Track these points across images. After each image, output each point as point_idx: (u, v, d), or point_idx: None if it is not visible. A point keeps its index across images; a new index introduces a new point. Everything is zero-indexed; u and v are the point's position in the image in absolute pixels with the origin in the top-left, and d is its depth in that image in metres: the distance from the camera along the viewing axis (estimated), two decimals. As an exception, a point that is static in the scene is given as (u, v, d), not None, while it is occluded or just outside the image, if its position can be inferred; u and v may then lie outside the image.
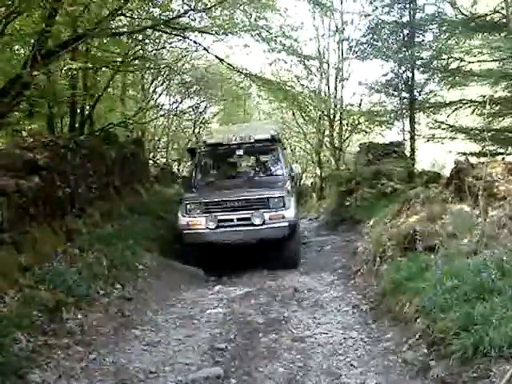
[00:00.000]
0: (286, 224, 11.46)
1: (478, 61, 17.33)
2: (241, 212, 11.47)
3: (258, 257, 12.18)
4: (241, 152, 13.49)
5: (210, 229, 11.43)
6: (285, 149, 16.71)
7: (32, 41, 11.31)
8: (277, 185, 12.35)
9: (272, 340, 7.04)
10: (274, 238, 11.47)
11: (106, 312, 8.03)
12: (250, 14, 14.92)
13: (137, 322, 7.87)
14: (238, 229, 11.43)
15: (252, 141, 13.45)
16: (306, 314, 8.21)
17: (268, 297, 9.22)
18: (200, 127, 29.89)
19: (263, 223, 11.37)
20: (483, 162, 10.51)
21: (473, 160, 12.86)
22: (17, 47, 14.04)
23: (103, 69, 15.77)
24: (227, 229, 11.44)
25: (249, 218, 11.41)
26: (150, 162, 23.72)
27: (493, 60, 17.05)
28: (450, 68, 17.88)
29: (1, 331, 6.04)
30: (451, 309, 5.87)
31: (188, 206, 11.77)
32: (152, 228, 13.35)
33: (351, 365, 6.17)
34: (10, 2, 9.61)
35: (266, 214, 11.39)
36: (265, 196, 11.62)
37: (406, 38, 18.77)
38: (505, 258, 6.47)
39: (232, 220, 11.47)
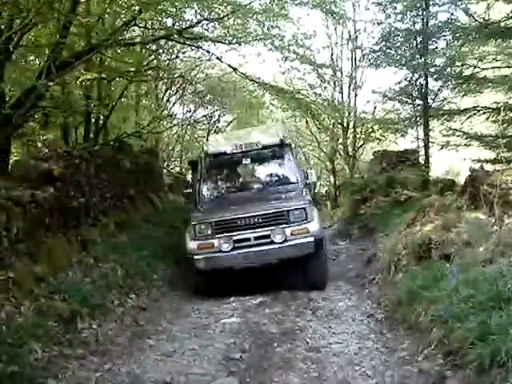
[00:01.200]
0: (311, 239, 10.09)
1: (492, 67, 17.28)
2: (258, 230, 10.13)
3: (280, 277, 10.88)
4: (248, 161, 12.09)
5: (225, 251, 10.04)
6: (297, 153, 15.12)
7: (46, 52, 11.41)
8: (295, 194, 11.09)
9: (287, 350, 7.02)
10: (298, 257, 10.14)
11: (121, 322, 8.06)
12: (263, 23, 14.94)
13: (151, 332, 7.88)
14: (256, 249, 10.05)
15: (259, 147, 12.02)
16: (321, 323, 8.18)
17: (283, 306, 9.20)
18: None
19: (285, 240, 10.04)
20: (498, 170, 10.45)
21: (488, 167, 12.82)
22: (31, 58, 14.16)
23: (117, 79, 15.87)
24: (244, 250, 10.05)
25: (268, 236, 10.08)
26: (164, 171, 23.81)
27: (507, 66, 16.98)
28: (463, 75, 17.81)
29: (17, 341, 6.07)
30: (467, 318, 5.81)
31: (197, 227, 10.33)
32: (166, 237, 13.39)
33: (367, 375, 6.13)
34: (25, 14, 9.70)
35: (286, 229, 10.09)
36: (284, 209, 10.24)
37: (419, 46, 18.73)
38: (521, 267, 6.41)
39: (249, 239, 10.10)
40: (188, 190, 12.91)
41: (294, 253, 10.04)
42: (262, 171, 12.56)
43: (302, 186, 11.52)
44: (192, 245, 10.31)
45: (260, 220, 10.16)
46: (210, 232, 10.25)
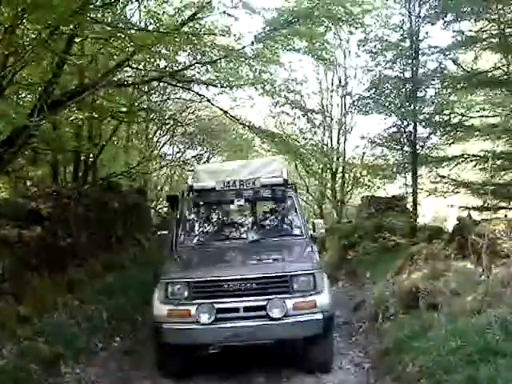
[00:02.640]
0: (320, 317, 7.57)
1: (480, 116, 17.51)
2: (250, 298, 7.54)
3: (273, 357, 8.49)
4: (242, 201, 9.74)
5: (204, 324, 7.38)
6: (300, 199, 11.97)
7: (39, 89, 11.45)
8: (300, 253, 8.85)
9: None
10: (301, 337, 7.85)
11: (105, 366, 7.92)
12: (255, 68, 15.12)
13: (136, 378, 7.76)
14: (246, 324, 7.45)
15: (258, 186, 9.68)
16: (309, 372, 8.06)
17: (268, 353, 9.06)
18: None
19: (285, 315, 7.43)
20: (486, 219, 10.51)
21: (475, 214, 12.90)
22: (23, 95, 14.20)
23: (108, 118, 15.93)
24: (230, 324, 7.44)
25: (262, 308, 7.44)
26: (152, 211, 23.75)
27: (494, 115, 17.21)
28: (451, 123, 18.00)
29: (-3, 385, 5.96)
30: (455, 370, 5.78)
31: (169, 287, 7.69)
32: (153, 279, 13.25)
33: (353, 426, 6.03)
34: (19, 51, 9.76)
35: (288, 300, 7.49)
36: (286, 273, 7.69)
37: (408, 93, 18.93)
38: (509, 318, 6.40)
39: (237, 310, 7.49)
40: (162, 232, 10.00)
41: (295, 333, 7.62)
42: (259, 217, 10.28)
43: (308, 241, 9.20)
44: (160, 310, 7.66)
45: (254, 285, 7.59)
46: (186, 295, 7.60)
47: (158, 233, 10.44)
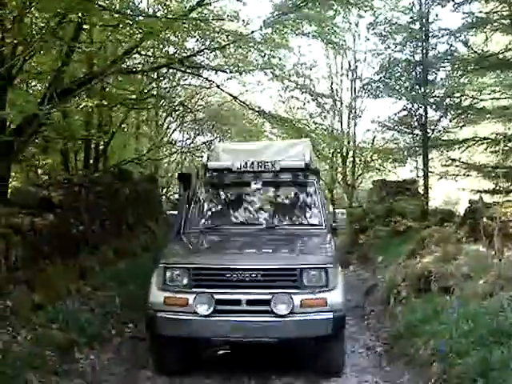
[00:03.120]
0: (330, 316, 6.75)
1: (491, 98, 17.42)
2: (254, 290, 6.79)
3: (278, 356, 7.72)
4: (259, 185, 8.94)
5: (202, 315, 6.68)
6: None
7: (49, 78, 11.47)
8: (315, 245, 8.01)
9: (286, 383, 6.95)
10: (307, 338, 7.13)
11: (119, 352, 7.97)
12: (264, 53, 15.06)
13: (149, 363, 7.79)
14: (248, 319, 6.71)
15: (277, 169, 8.86)
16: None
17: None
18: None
19: (291, 312, 6.65)
20: (498, 202, 10.47)
21: (486, 198, 12.85)
22: (33, 84, 14.23)
23: (118, 106, 15.94)
24: (230, 317, 6.73)
25: (267, 302, 6.66)
26: (163, 198, 23.80)
27: (505, 97, 17.11)
28: (462, 105, 17.95)
29: (13, 371, 6.00)
30: (468, 353, 5.79)
31: (167, 272, 7.02)
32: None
33: (366, 410, 6.05)
34: (28, 41, 9.76)
35: (296, 296, 6.69)
36: (296, 266, 6.92)
37: (418, 76, 18.88)
38: (521, 301, 6.40)
39: (239, 303, 6.74)
40: (171, 213, 9.43)
41: (301, 333, 6.83)
42: (276, 202, 9.13)
43: (326, 232, 8.32)
44: (157, 296, 6.99)
45: (259, 277, 6.81)
46: (185, 282, 6.91)
47: (167, 213, 10.26)
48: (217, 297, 6.67)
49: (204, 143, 28.48)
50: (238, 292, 6.74)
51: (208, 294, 6.68)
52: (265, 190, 9.04)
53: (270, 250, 7.76)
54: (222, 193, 9.33)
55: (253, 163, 8.86)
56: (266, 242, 8.00)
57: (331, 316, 6.72)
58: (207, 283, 6.81)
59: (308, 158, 8.98)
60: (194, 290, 6.77)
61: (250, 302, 6.70)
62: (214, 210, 9.19)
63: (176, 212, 9.01)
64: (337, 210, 9.95)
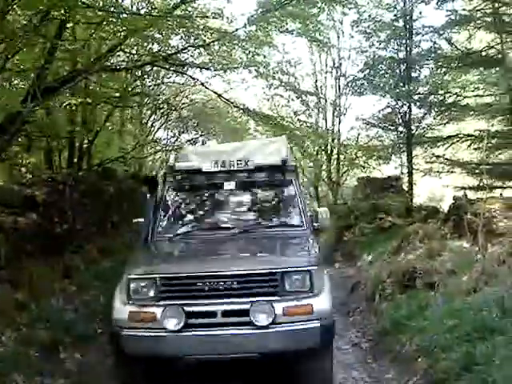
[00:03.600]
0: (317, 325, 5.95)
1: (474, 96, 17.51)
2: (230, 300, 5.98)
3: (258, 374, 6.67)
4: (232, 185, 8.16)
5: (171, 331, 5.86)
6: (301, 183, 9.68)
7: (32, 75, 11.40)
8: (296, 247, 7.23)
9: (271, 380, 6.94)
10: (292, 350, 6.04)
11: (104, 351, 7.94)
12: (248, 51, 15.05)
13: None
14: (224, 332, 5.89)
15: (251, 168, 8.09)
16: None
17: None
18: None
19: (273, 322, 5.86)
20: (481, 198, 10.53)
21: (471, 194, 12.93)
22: (16, 82, 14.13)
23: (102, 104, 15.87)
24: (204, 331, 5.91)
25: (245, 312, 5.87)
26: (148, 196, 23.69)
27: (489, 94, 17.22)
28: (446, 103, 18.04)
29: (-3, 371, 5.97)
30: (452, 348, 5.83)
31: (132, 284, 6.16)
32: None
33: (352, 406, 6.06)
34: (10, 38, 9.70)
35: (277, 304, 5.92)
36: (277, 270, 6.11)
37: (402, 74, 18.95)
38: (505, 296, 6.44)
39: (214, 315, 5.94)
40: (138, 220, 8.28)
41: (285, 345, 5.92)
42: (252, 204, 8.41)
43: (308, 233, 7.58)
44: (121, 312, 6.12)
45: (235, 284, 6.01)
46: (152, 294, 6.07)
47: (134, 220, 8.38)
48: (188, 309, 5.81)
49: (188, 141, 28.46)
50: (212, 303, 5.91)
51: (178, 307, 5.82)
52: (239, 191, 8.31)
53: (247, 255, 6.92)
54: (192, 196, 8.55)
55: (224, 162, 8.01)
56: (242, 246, 7.23)
57: (319, 325, 5.89)
58: (177, 294, 5.98)
59: (285, 155, 8.30)
60: (162, 302, 5.92)
61: (225, 314, 5.87)
62: (184, 215, 8.38)
63: (142, 219, 8.10)
64: (320, 209, 8.23)
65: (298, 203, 7.92)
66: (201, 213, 8.30)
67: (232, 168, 8.00)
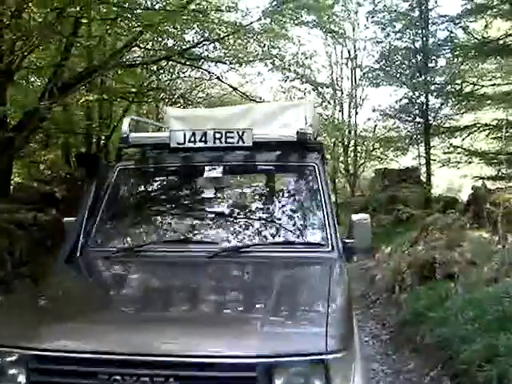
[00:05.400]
0: None
1: (492, 85, 17.37)
2: None
3: None
4: (217, 172, 5.01)
5: None
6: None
7: (48, 73, 11.46)
8: (308, 296, 3.70)
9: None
10: None
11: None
12: (263, 44, 15.04)
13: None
14: None
15: (248, 144, 4.80)
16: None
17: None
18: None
19: None
20: (501, 188, 10.46)
21: (489, 184, 12.84)
22: (32, 79, 14.22)
23: (118, 99, 15.93)
24: None
25: None
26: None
27: (506, 83, 17.07)
28: (463, 92, 17.90)
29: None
30: (473, 339, 5.77)
31: None
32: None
33: (373, 398, 6.03)
34: (27, 36, 9.75)
35: None
36: (257, 358, 2.80)
37: (419, 64, 18.84)
38: (526, 286, 6.40)
39: None
40: (67, 220, 5.00)
41: None
42: (245, 203, 5.16)
43: (335, 259, 4.33)
44: None
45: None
46: None
47: (64, 219, 5.09)
48: None
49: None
50: None
51: None
52: (228, 180, 5.20)
53: (216, 314, 3.54)
54: (152, 187, 5.59)
55: (205, 134, 4.75)
56: (215, 286, 4.15)
57: None
58: None
59: (305, 125, 5.10)
60: None
61: None
62: (136, 217, 5.15)
63: (75, 219, 4.81)
64: (355, 217, 4.80)
65: (323, 206, 4.67)
66: (164, 215, 5.13)
67: (217, 144, 4.78)
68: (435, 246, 9.63)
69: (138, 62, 14.88)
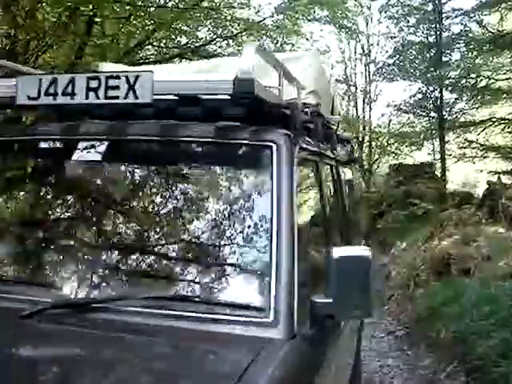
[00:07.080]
0: None
1: (507, 78, 17.24)
2: None
3: None
4: (95, 155, 2.81)
5: None
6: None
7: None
8: None
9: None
10: None
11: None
12: (277, 40, 15.02)
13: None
14: None
15: (144, 100, 2.44)
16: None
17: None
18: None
19: None
20: (516, 182, 10.41)
21: (505, 179, 12.76)
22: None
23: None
24: None
25: None
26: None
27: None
28: (478, 87, 17.78)
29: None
30: (489, 335, 5.76)
31: None
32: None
33: (388, 394, 6.03)
34: (41, 36, 9.80)
35: None
36: None
37: (433, 58, 18.75)
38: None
39: None
40: None
41: None
42: (132, 222, 2.77)
43: (281, 341, 2.13)
44: None
45: None
46: None
47: None
48: None
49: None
50: None
51: None
52: (106, 172, 3.03)
53: None
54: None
55: (73, 82, 2.58)
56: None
57: None
58: None
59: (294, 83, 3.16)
60: None
61: None
62: None
63: None
64: (337, 251, 2.36)
65: (271, 232, 2.43)
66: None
67: (91, 99, 2.58)
68: (450, 241, 9.60)
69: (151, 60, 14.90)
